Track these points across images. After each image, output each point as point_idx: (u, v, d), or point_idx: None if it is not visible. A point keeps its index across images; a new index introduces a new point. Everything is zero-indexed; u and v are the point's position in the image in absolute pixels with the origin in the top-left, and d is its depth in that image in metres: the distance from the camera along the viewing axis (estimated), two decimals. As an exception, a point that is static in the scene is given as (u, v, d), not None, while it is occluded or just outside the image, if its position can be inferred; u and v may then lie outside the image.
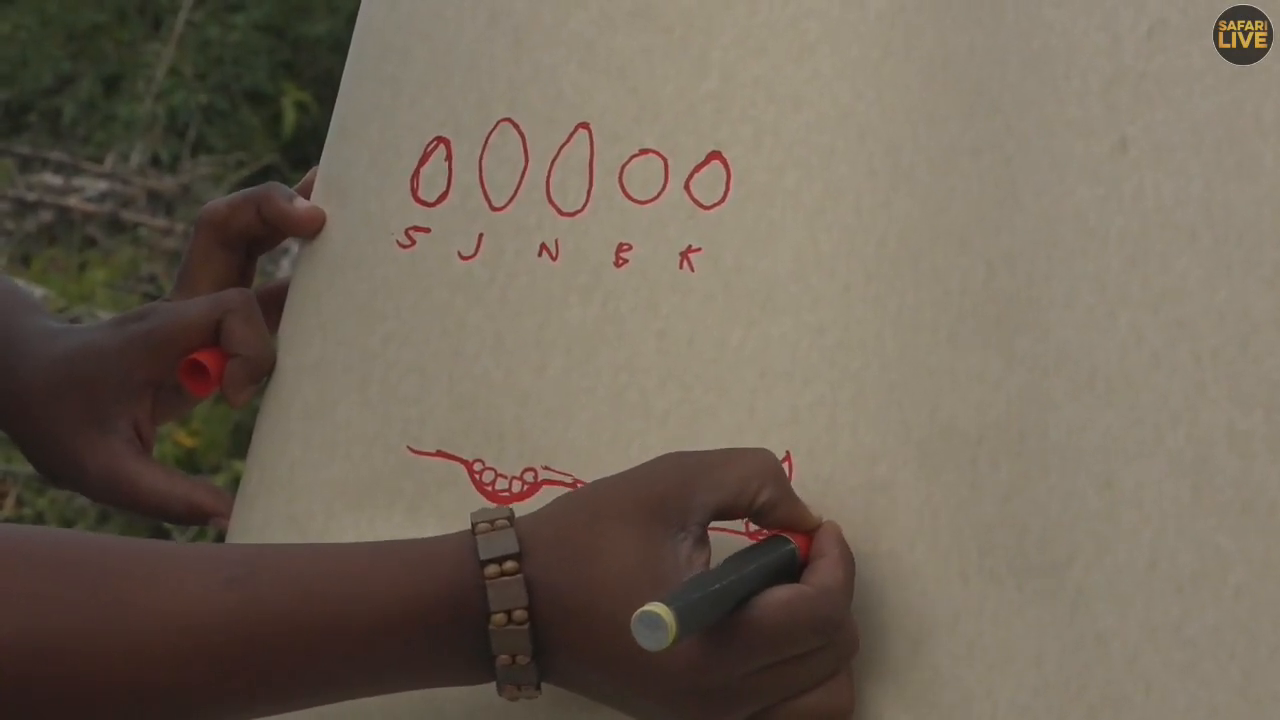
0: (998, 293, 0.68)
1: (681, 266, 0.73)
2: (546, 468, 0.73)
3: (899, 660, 0.68)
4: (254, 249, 0.82)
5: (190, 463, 2.78)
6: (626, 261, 0.74)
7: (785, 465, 0.71)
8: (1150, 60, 0.66)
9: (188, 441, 2.83)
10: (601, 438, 0.73)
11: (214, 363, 0.77)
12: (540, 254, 0.75)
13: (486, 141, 0.76)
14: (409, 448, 0.75)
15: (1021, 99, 0.68)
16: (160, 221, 3.82)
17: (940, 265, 0.70)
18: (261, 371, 0.78)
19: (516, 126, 0.76)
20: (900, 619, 0.68)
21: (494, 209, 0.76)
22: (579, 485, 0.73)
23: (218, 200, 0.81)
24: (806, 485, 0.70)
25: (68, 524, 2.71)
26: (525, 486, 0.74)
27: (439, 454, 0.75)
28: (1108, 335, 0.66)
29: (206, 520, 0.79)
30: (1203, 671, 0.63)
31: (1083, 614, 0.65)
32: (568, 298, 0.74)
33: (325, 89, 4.26)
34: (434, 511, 0.74)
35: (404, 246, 0.76)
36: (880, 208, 0.71)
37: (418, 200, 0.76)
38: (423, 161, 0.77)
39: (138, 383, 0.78)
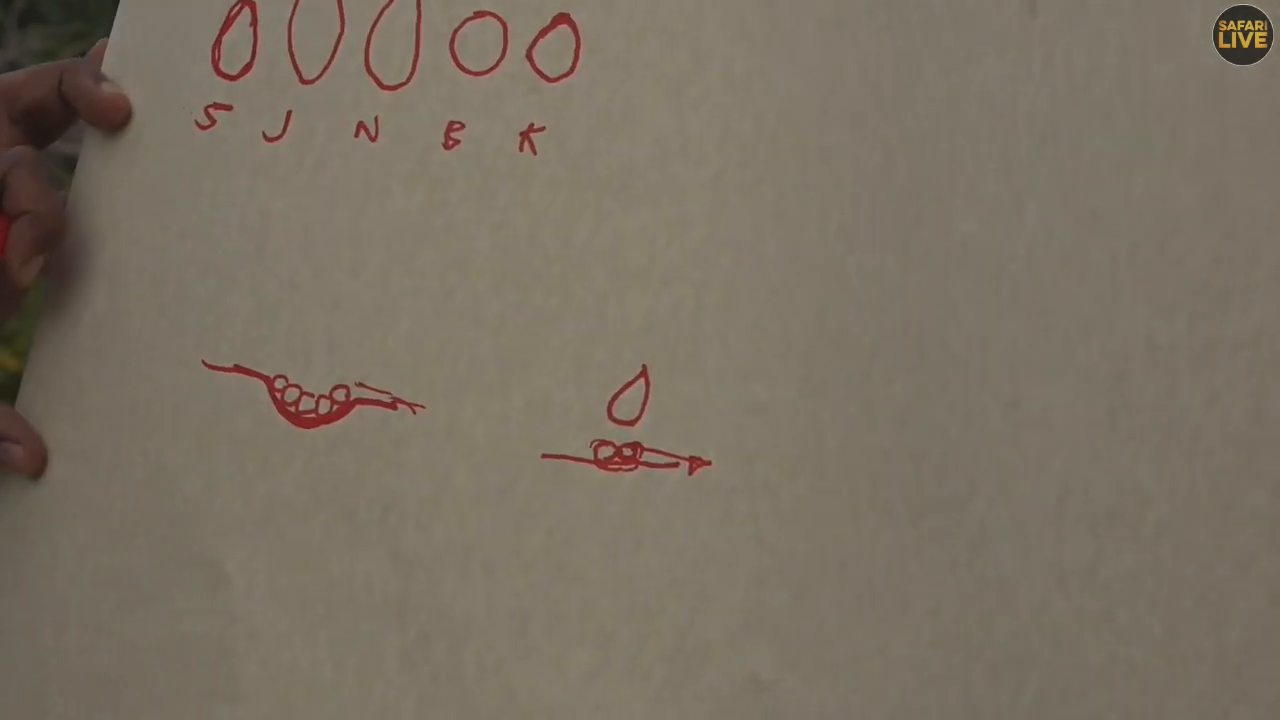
0: (895, 179, 0.64)
1: (521, 148, 0.69)
2: (360, 384, 0.69)
3: (778, 612, 0.64)
4: (43, 135, 0.75)
5: (15, 388, 2.68)
6: (457, 142, 0.69)
7: (641, 381, 0.67)
8: None
9: (11, 364, 2.74)
10: (426, 349, 0.68)
11: None
12: (357, 134, 0.70)
13: (297, 3, 0.71)
14: (204, 362, 0.71)
15: None
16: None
17: (830, 147, 0.65)
18: (52, 237, 0.71)
19: (333, -15, 0.72)
20: (780, 564, 0.64)
21: (304, 82, 0.71)
22: (398, 406, 0.69)
23: (15, 72, 0.75)
24: (667, 406, 0.66)
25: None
26: (335, 407, 0.69)
27: (236, 369, 0.71)
28: (1014, 229, 0.61)
29: None
30: (1119, 623, 0.59)
31: (984, 555, 0.61)
32: (389, 185, 0.70)
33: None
34: (226, 438, 0.70)
35: (203, 127, 0.72)
36: (756, 77, 0.66)
37: (219, 73, 0.72)
38: (225, 28, 0.72)
39: None
